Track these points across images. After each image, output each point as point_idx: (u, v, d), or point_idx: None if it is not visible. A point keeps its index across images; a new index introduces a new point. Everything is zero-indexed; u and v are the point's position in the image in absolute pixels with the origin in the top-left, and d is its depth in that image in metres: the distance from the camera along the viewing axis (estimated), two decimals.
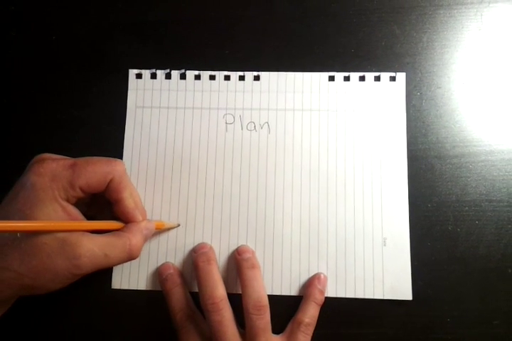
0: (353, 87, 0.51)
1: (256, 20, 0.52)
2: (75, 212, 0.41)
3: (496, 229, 0.48)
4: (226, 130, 0.50)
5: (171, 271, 0.47)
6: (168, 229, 0.49)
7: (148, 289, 0.48)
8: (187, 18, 0.53)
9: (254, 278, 0.45)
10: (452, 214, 0.49)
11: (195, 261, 0.47)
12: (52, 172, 0.40)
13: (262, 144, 0.50)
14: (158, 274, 0.48)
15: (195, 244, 0.49)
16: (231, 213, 0.49)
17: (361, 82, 0.51)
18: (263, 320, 0.44)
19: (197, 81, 0.51)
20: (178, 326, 0.45)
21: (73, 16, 0.53)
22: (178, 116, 0.51)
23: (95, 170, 0.41)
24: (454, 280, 0.48)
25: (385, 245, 0.48)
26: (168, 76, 0.51)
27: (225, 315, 0.44)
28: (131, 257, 0.42)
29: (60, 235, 0.38)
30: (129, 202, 0.43)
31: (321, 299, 0.47)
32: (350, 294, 0.47)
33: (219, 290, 0.45)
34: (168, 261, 0.48)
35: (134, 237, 0.42)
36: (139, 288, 0.48)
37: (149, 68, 0.51)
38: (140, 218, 0.44)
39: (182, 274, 0.48)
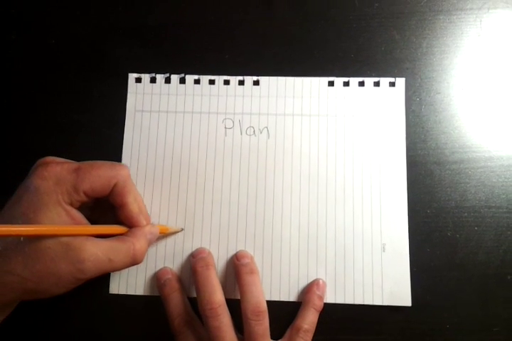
0: (352, 92, 0.51)
1: (256, 25, 0.52)
2: (78, 216, 0.41)
3: (495, 235, 0.48)
4: (225, 134, 0.50)
5: (169, 276, 0.47)
6: (172, 233, 0.49)
7: (146, 294, 0.48)
8: (187, 23, 0.53)
9: (252, 283, 0.45)
10: (451, 220, 0.49)
11: (193, 266, 0.47)
12: (56, 176, 0.40)
13: (262, 149, 0.50)
14: (157, 279, 0.48)
15: (194, 248, 0.48)
16: (230, 218, 0.49)
17: (361, 88, 0.51)
18: (262, 325, 0.44)
19: (196, 85, 0.51)
20: (176, 331, 0.45)
21: (73, 20, 0.53)
22: (178, 120, 0.50)
23: (99, 175, 0.41)
24: (454, 287, 0.48)
25: (384, 251, 0.48)
26: (167, 80, 0.51)
27: (224, 320, 0.43)
28: (135, 262, 0.42)
29: (64, 239, 0.38)
30: (133, 206, 0.43)
31: (320, 305, 0.46)
32: (349, 300, 0.47)
33: (217, 296, 0.44)
34: (166, 266, 0.48)
35: (138, 242, 0.42)
36: (136, 293, 0.48)
37: (149, 72, 0.51)
38: (144, 222, 0.44)
39: (180, 279, 0.48)
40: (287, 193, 0.49)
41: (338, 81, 0.51)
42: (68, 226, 0.39)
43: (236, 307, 0.45)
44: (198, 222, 0.49)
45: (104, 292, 0.48)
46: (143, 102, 0.51)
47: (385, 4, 0.52)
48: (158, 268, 0.48)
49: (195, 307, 0.46)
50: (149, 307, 0.48)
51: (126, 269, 0.48)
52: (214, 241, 0.48)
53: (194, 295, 0.47)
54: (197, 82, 0.51)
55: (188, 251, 0.48)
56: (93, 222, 0.43)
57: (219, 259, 0.48)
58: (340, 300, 0.47)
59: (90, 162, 0.42)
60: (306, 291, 0.47)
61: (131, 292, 0.48)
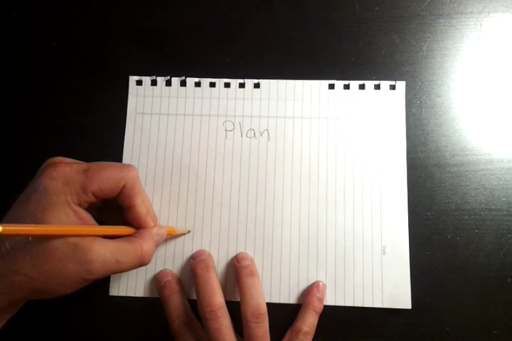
0: (352, 95, 0.51)
1: (257, 28, 0.53)
2: (86, 216, 0.41)
3: (496, 238, 0.48)
4: (226, 137, 0.50)
5: (169, 278, 0.47)
6: (179, 235, 0.49)
7: (146, 296, 0.48)
8: (188, 25, 0.53)
9: (253, 285, 0.45)
10: (452, 223, 0.49)
11: (193, 268, 0.47)
12: (65, 176, 0.40)
13: (262, 151, 0.50)
14: (156, 281, 0.48)
15: (194, 250, 0.48)
16: (230, 220, 0.49)
17: (361, 90, 0.51)
18: (262, 328, 0.44)
19: (197, 88, 0.51)
20: (175, 333, 0.45)
21: (74, 22, 0.53)
22: (178, 122, 0.51)
23: (108, 176, 0.41)
24: (454, 290, 0.48)
25: (384, 253, 0.48)
26: (168, 83, 0.52)
27: (223, 322, 0.43)
28: (142, 263, 0.42)
29: (72, 240, 0.38)
30: (141, 208, 0.43)
31: (319, 307, 0.46)
32: (349, 302, 0.47)
33: (217, 298, 0.44)
34: (166, 268, 0.48)
35: (145, 243, 0.42)
36: (136, 295, 0.48)
37: (150, 75, 0.52)
38: (152, 224, 0.44)
39: (180, 281, 0.48)
40: (287, 195, 0.49)
41: (339, 84, 0.51)
42: (76, 227, 0.39)
43: (236, 310, 0.45)
44: (198, 224, 0.49)
45: (104, 294, 0.48)
46: (144, 105, 0.51)
47: (385, 8, 0.53)
48: (158, 270, 0.48)
49: (195, 309, 0.46)
50: (149, 309, 0.48)
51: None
52: (214, 243, 0.48)
53: (194, 297, 0.47)
54: (197, 84, 0.51)
55: (188, 253, 0.48)
56: (100, 222, 0.43)
57: (219, 261, 0.48)
58: (340, 303, 0.47)
59: (99, 163, 0.42)
60: (306, 293, 0.47)
61: (131, 294, 0.48)
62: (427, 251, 0.48)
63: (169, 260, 0.48)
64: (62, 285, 0.38)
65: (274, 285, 0.48)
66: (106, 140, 0.51)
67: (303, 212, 0.49)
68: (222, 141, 0.50)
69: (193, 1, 0.53)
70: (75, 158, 0.43)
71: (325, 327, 0.47)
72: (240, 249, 0.48)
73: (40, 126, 0.51)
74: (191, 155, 0.50)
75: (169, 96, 0.51)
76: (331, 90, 0.51)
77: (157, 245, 0.44)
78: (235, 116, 0.51)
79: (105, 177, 0.41)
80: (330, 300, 0.47)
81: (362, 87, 0.51)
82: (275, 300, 0.47)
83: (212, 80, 0.51)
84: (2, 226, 0.32)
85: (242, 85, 0.51)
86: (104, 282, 0.48)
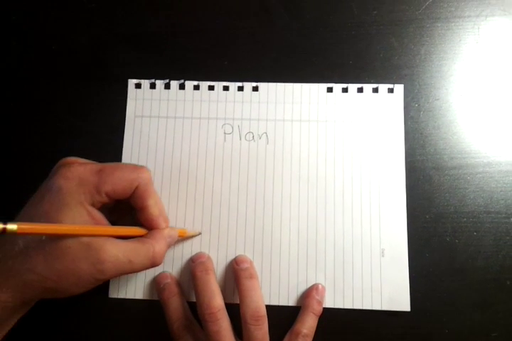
0: (351, 98, 0.51)
1: (255, 32, 0.53)
2: (99, 216, 0.41)
3: (495, 240, 0.48)
4: (224, 140, 0.50)
5: (169, 280, 0.47)
6: (190, 237, 0.49)
7: (145, 298, 0.48)
8: (187, 29, 0.53)
9: (252, 288, 0.45)
10: (450, 226, 0.49)
11: (192, 270, 0.47)
12: (79, 176, 0.40)
13: (261, 154, 0.50)
14: (156, 283, 0.48)
15: (193, 253, 0.48)
16: (229, 222, 0.49)
17: (359, 94, 0.51)
18: (261, 330, 0.44)
19: (196, 91, 0.52)
20: (175, 336, 0.45)
21: (73, 26, 0.53)
22: (177, 125, 0.51)
23: (122, 177, 0.41)
24: (453, 292, 0.48)
25: (383, 256, 0.48)
26: (167, 86, 0.52)
27: (223, 325, 0.43)
28: (154, 264, 0.42)
29: (85, 239, 0.38)
30: (154, 209, 0.43)
31: (319, 310, 0.46)
32: (348, 305, 0.47)
33: (217, 300, 0.44)
34: (165, 270, 0.48)
35: (157, 244, 0.42)
36: (136, 297, 0.48)
37: (149, 78, 0.52)
38: (164, 225, 0.44)
39: (179, 284, 0.48)
40: (286, 198, 0.49)
41: (337, 87, 0.51)
42: (89, 227, 0.39)
43: (235, 312, 0.45)
44: (198, 227, 0.49)
45: (104, 296, 0.48)
46: (142, 108, 0.51)
47: (383, 12, 0.53)
48: (157, 273, 0.48)
49: (195, 311, 0.46)
50: (148, 311, 0.48)
51: None
52: (213, 245, 0.48)
53: (193, 299, 0.47)
54: (196, 87, 0.52)
55: (187, 256, 0.48)
56: (111, 223, 0.43)
57: (218, 264, 0.48)
58: (339, 305, 0.47)
59: (113, 164, 0.43)
60: (306, 296, 0.47)
61: (130, 296, 0.48)
62: (426, 253, 0.48)
63: (168, 262, 0.48)
64: (75, 284, 0.39)
65: (273, 288, 0.48)
66: (105, 143, 0.51)
67: (302, 215, 0.49)
68: (221, 144, 0.50)
69: (192, 5, 0.53)
70: None
71: (324, 329, 0.47)
72: (239, 252, 0.48)
73: (40, 128, 0.51)
74: (190, 158, 0.50)
75: (168, 100, 0.51)
76: (330, 93, 0.51)
77: (169, 246, 0.44)
78: (233, 119, 0.51)
79: (119, 178, 0.41)
80: (329, 303, 0.47)
81: (360, 90, 0.51)
82: (274, 302, 0.47)
83: (211, 83, 0.52)
84: (18, 225, 0.32)
85: (240, 88, 0.52)
86: (103, 284, 0.47)
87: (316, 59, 0.52)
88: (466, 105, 0.51)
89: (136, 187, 0.42)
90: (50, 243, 0.37)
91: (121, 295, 0.48)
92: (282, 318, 0.47)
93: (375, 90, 0.51)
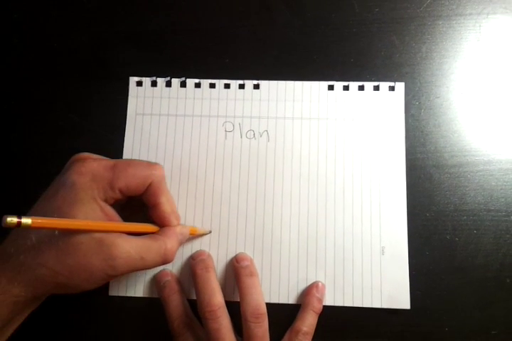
0: (352, 96, 0.51)
1: (256, 30, 0.53)
2: (112, 212, 0.41)
3: (495, 238, 0.48)
4: (225, 138, 0.50)
5: (169, 278, 0.47)
6: (201, 235, 0.49)
7: (145, 296, 0.48)
8: (188, 27, 0.53)
9: (252, 285, 0.45)
10: (451, 224, 0.49)
11: (193, 268, 0.47)
12: (93, 172, 0.40)
13: (261, 152, 0.50)
14: (156, 281, 0.48)
15: (194, 251, 0.49)
16: (229, 220, 0.49)
17: (360, 92, 0.51)
18: (261, 328, 0.44)
19: (197, 89, 0.52)
20: (175, 333, 0.45)
21: (74, 24, 0.53)
22: (178, 123, 0.51)
23: (135, 174, 0.42)
24: (453, 290, 0.48)
25: (383, 254, 0.48)
26: (168, 84, 0.52)
27: (223, 322, 0.44)
28: (165, 261, 0.42)
29: (97, 235, 0.38)
30: (166, 207, 0.44)
31: (319, 308, 0.46)
32: (348, 303, 0.47)
33: (217, 298, 0.45)
34: (165, 268, 0.48)
35: (169, 241, 0.42)
36: (136, 295, 0.48)
37: (150, 76, 0.52)
38: (176, 222, 0.44)
39: (180, 281, 0.48)
40: (287, 196, 0.49)
41: (338, 85, 0.51)
42: (102, 222, 0.39)
43: (235, 310, 0.45)
44: (198, 224, 0.49)
45: (104, 293, 0.48)
46: (144, 106, 0.51)
47: (384, 9, 0.53)
48: (157, 270, 0.48)
49: (195, 309, 0.46)
50: (149, 309, 0.48)
51: None
52: (214, 243, 0.49)
53: (194, 297, 0.47)
54: (197, 85, 0.52)
55: (187, 253, 0.48)
56: (123, 219, 0.43)
57: (218, 262, 0.48)
58: (339, 303, 0.47)
59: (126, 160, 0.43)
60: (306, 294, 0.47)
61: (130, 294, 0.48)
62: (426, 251, 0.48)
63: None
64: (86, 280, 0.39)
65: (273, 286, 0.48)
66: (106, 140, 0.51)
67: (302, 213, 0.49)
68: (222, 141, 0.50)
69: (192, 3, 0.53)
70: None
71: (324, 327, 0.47)
72: (240, 249, 0.48)
73: (41, 126, 0.51)
74: (191, 156, 0.50)
75: (169, 97, 0.51)
76: (331, 91, 0.51)
77: (180, 244, 0.45)
78: (234, 117, 0.51)
79: (132, 174, 0.41)
80: (329, 301, 0.47)
81: (361, 88, 0.51)
82: (274, 300, 0.48)
83: (212, 81, 0.52)
84: (32, 219, 0.32)
85: (241, 86, 0.52)
86: None
87: (317, 57, 0.52)
88: (466, 103, 0.51)
89: (150, 184, 0.42)
90: (62, 238, 0.37)
91: (122, 293, 0.48)
92: (282, 316, 0.47)
93: (376, 88, 0.51)
